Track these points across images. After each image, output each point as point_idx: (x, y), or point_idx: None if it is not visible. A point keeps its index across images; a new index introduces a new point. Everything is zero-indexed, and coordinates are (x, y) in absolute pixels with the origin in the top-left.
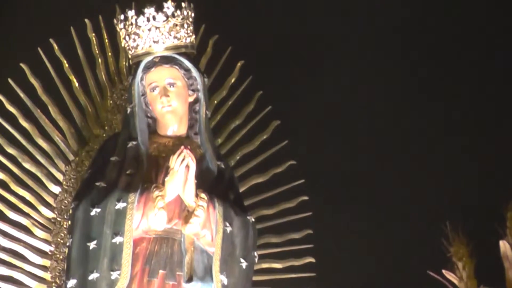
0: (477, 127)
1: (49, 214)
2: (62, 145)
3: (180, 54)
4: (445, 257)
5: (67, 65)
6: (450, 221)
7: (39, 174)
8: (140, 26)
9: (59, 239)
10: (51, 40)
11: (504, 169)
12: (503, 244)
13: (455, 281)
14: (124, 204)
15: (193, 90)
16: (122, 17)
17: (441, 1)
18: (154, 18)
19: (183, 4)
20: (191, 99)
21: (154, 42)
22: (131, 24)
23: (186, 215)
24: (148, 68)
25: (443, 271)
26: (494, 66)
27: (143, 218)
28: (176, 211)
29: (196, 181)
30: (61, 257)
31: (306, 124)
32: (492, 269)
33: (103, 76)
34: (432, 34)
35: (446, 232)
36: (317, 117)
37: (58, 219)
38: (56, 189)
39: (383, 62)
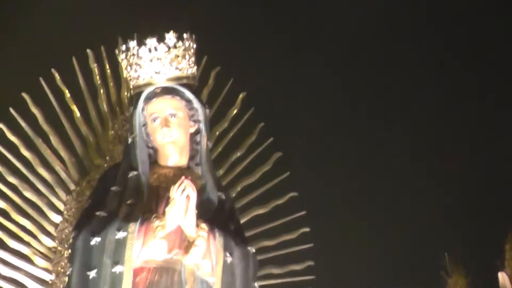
0: (477, 158)
1: (49, 243)
2: (63, 175)
3: (181, 85)
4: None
5: (68, 95)
6: (449, 253)
7: (39, 203)
8: (141, 57)
9: (59, 268)
10: (53, 70)
11: (504, 202)
12: (501, 276)
13: None
14: (125, 234)
15: (194, 121)
16: (124, 47)
17: None
18: (155, 49)
19: (184, 35)
20: (192, 130)
21: (156, 72)
22: (133, 54)
23: (187, 245)
24: (149, 98)
25: None
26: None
27: (143, 248)
28: (177, 241)
29: (196, 211)
30: (61, 286)
31: (307, 156)
32: None
33: (105, 107)
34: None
35: (445, 264)
36: (318, 150)
37: (59, 248)
38: (56, 218)
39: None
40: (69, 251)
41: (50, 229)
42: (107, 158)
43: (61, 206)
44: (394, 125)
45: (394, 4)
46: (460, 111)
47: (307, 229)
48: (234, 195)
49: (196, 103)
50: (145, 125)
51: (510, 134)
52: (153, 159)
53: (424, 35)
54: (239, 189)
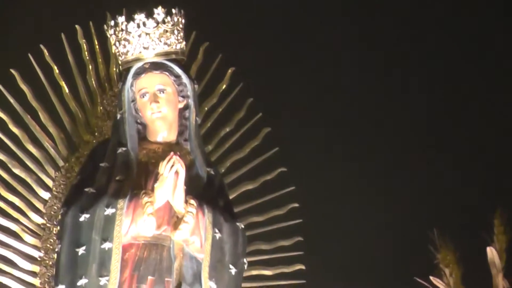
0: (465, 135)
1: (38, 220)
2: (52, 151)
3: (170, 60)
4: (432, 263)
5: (57, 71)
6: (437, 228)
7: (28, 180)
8: (130, 32)
9: (48, 245)
10: (41, 46)
11: (492, 176)
12: (490, 251)
13: None
14: (113, 210)
15: (183, 97)
16: (112, 23)
17: None
18: (144, 24)
19: (173, 11)
20: (181, 105)
21: (144, 48)
22: (121, 30)
23: (175, 221)
24: (138, 74)
25: (431, 277)
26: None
27: (132, 224)
28: (165, 217)
29: (185, 187)
30: (50, 263)
31: (297, 131)
32: (479, 275)
33: (93, 82)
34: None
35: (433, 239)
36: (308, 125)
37: (48, 225)
38: (45, 195)
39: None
40: (58, 227)
41: (39, 205)
42: (96, 134)
43: (50, 183)
44: (384, 102)
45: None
46: (443, 90)
47: (296, 205)
48: (223, 170)
49: (185, 79)
50: (134, 100)
51: (495, 109)
52: (142, 135)
53: None
54: (228, 164)
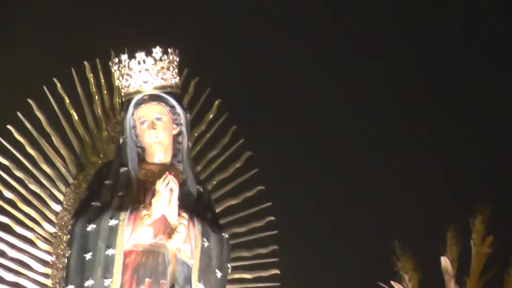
0: (426, 149)
1: (51, 229)
2: (63, 170)
3: (166, 93)
4: (393, 270)
5: (68, 101)
6: (398, 240)
7: (42, 195)
8: (132, 68)
9: (59, 251)
10: (54, 79)
11: (448, 194)
12: (444, 260)
13: None
14: (116, 221)
15: (177, 124)
16: (116, 60)
17: None
18: (144, 61)
19: (169, 50)
20: (175, 131)
21: (144, 82)
22: (124, 66)
23: (170, 231)
24: (138, 104)
25: (392, 282)
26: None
27: (132, 234)
28: (161, 228)
29: (178, 202)
30: (61, 266)
31: (274, 156)
32: (434, 281)
33: (99, 111)
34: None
35: (395, 249)
36: (283, 150)
37: (59, 233)
38: (57, 207)
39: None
40: (68, 236)
41: (51, 216)
42: (101, 155)
43: (61, 197)
44: (357, 116)
45: None
46: (409, 109)
47: (272, 218)
48: (210, 188)
49: (178, 109)
50: (134, 127)
51: (459, 126)
52: (141, 157)
53: None
54: (214, 183)
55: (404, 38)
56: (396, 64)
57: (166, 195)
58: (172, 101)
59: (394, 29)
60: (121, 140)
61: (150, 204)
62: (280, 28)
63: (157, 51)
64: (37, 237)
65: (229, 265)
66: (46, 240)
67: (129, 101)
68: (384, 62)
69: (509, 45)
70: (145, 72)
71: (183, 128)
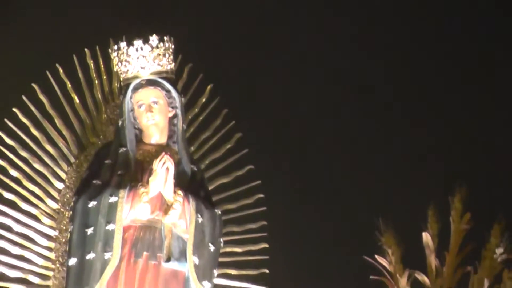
0: (409, 131)
1: (54, 205)
2: (65, 150)
3: (162, 78)
4: (378, 245)
5: (70, 85)
6: (382, 217)
7: (46, 173)
8: (130, 55)
9: (62, 226)
10: (57, 65)
11: (430, 175)
12: (425, 235)
13: (386, 265)
14: (116, 199)
15: (172, 107)
16: (115, 47)
17: None
18: (141, 48)
19: (165, 38)
20: (170, 114)
21: (141, 68)
22: (123, 53)
23: (166, 207)
24: (136, 89)
25: (376, 256)
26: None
27: (131, 210)
28: (158, 205)
29: (174, 180)
30: (63, 240)
31: (263, 136)
32: (416, 255)
33: (99, 95)
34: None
35: (379, 226)
36: (272, 132)
37: (61, 209)
38: (60, 185)
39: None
40: (70, 212)
41: (55, 194)
42: (101, 137)
43: (63, 176)
44: (342, 105)
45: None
46: (392, 86)
47: (261, 195)
48: (203, 167)
49: (174, 93)
50: (132, 110)
51: (443, 109)
52: (139, 138)
53: None
54: (207, 162)
55: (404, 38)
56: (396, 64)
57: (162, 174)
58: (167, 85)
59: (394, 29)
60: (120, 122)
61: (147, 182)
62: (279, 18)
63: (153, 38)
64: (41, 213)
65: (221, 240)
66: (49, 216)
67: (127, 86)
68: (384, 62)
69: (509, 45)
70: (143, 59)
71: (178, 111)
